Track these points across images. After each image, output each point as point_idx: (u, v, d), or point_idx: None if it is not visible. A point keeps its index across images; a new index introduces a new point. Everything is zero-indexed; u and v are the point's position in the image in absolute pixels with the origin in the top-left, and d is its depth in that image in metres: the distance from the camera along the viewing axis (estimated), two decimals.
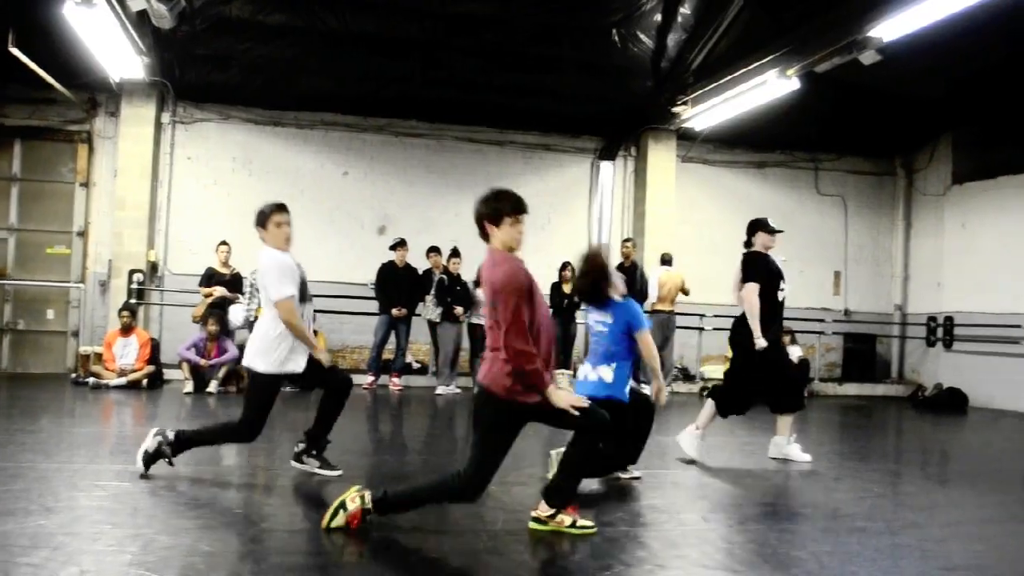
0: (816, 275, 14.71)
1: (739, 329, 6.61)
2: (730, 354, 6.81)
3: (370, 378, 11.41)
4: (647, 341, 5.39)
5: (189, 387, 10.26)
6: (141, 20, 10.02)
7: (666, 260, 12.45)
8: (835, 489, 5.86)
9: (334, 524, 4.06)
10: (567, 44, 11.52)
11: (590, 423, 4.15)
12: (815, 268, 14.66)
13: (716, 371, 13.25)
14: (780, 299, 6.64)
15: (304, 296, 5.36)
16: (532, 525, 4.29)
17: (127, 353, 10.67)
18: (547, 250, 12.33)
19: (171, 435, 5.17)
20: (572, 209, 14.06)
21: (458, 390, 11.53)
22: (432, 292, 11.45)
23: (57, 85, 11.13)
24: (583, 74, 12.18)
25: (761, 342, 6.36)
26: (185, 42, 11.17)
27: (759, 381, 6.51)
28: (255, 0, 10.57)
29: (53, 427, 7.38)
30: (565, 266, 11.58)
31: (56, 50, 10.35)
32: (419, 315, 11.61)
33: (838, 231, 15.13)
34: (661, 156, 13.80)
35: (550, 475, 5.12)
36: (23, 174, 12.42)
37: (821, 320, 14.32)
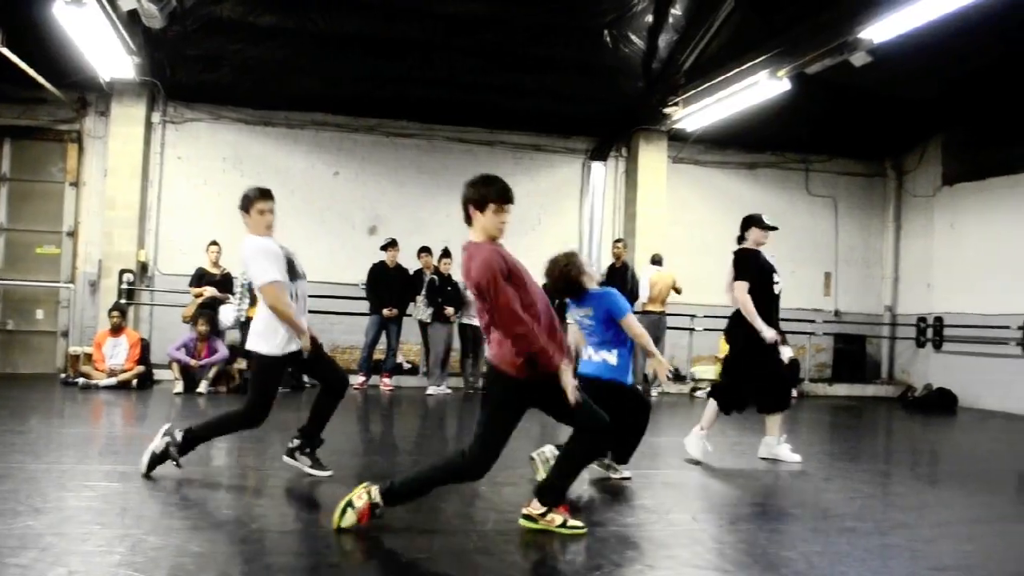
0: (806, 276, 14.73)
1: (735, 324, 6.63)
2: (722, 354, 6.82)
3: (361, 378, 11.39)
4: (632, 324, 5.43)
5: (179, 387, 10.23)
6: (131, 20, 10.00)
7: (656, 261, 12.45)
8: (825, 489, 5.88)
9: (344, 524, 4.02)
10: (558, 45, 11.50)
11: (592, 423, 4.15)
12: (805, 269, 14.68)
13: (707, 372, 13.30)
14: (776, 292, 6.65)
15: (295, 274, 5.30)
16: (522, 522, 4.29)
17: (117, 353, 10.65)
18: (538, 251, 12.02)
19: (179, 436, 5.12)
20: (563, 210, 14.06)
21: (449, 390, 11.53)
22: (423, 292, 11.48)
23: (47, 84, 11.06)
24: (574, 75, 12.16)
25: (769, 333, 6.37)
26: (176, 42, 11.13)
27: (752, 377, 6.53)
28: (246, 1, 10.53)
29: (42, 427, 7.35)
30: None
31: (46, 49, 10.29)
32: (410, 315, 11.62)
33: (828, 232, 15.17)
34: (652, 157, 13.81)
35: (538, 477, 5.14)
36: (12, 174, 12.34)
37: (811, 321, 14.34)
